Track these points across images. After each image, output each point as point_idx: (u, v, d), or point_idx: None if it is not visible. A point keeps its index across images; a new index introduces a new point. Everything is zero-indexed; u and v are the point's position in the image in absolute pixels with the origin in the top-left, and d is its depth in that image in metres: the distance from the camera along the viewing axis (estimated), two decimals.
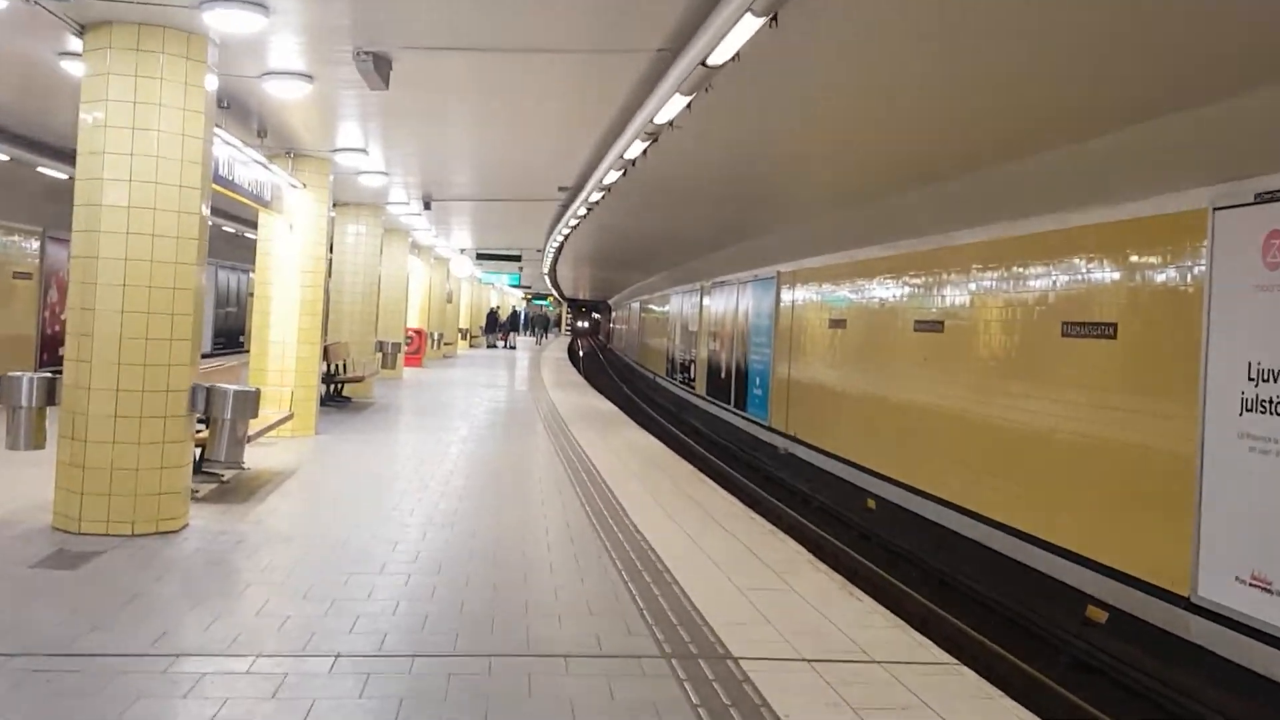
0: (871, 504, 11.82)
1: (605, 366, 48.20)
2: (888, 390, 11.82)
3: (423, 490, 8.23)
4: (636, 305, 42.29)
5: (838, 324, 13.73)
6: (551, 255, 23.85)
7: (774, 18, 5.08)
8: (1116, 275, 7.80)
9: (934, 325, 10.75)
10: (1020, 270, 9.15)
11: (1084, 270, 8.20)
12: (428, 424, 13.17)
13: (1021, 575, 8.58)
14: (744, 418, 18.24)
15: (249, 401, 6.70)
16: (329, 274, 14.39)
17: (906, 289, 11.58)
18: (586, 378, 27.36)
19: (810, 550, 6.96)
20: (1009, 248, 9.37)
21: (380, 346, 17.54)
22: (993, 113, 7.41)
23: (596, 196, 12.11)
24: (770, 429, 16.39)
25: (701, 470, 10.77)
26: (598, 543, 6.57)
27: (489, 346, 40.49)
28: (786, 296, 16.21)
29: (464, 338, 35.16)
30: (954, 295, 10.40)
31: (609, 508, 7.79)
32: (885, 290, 12.21)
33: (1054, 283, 8.61)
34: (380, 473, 9.13)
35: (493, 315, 41.12)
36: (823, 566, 6.26)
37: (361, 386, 15.37)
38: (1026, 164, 8.61)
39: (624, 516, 7.47)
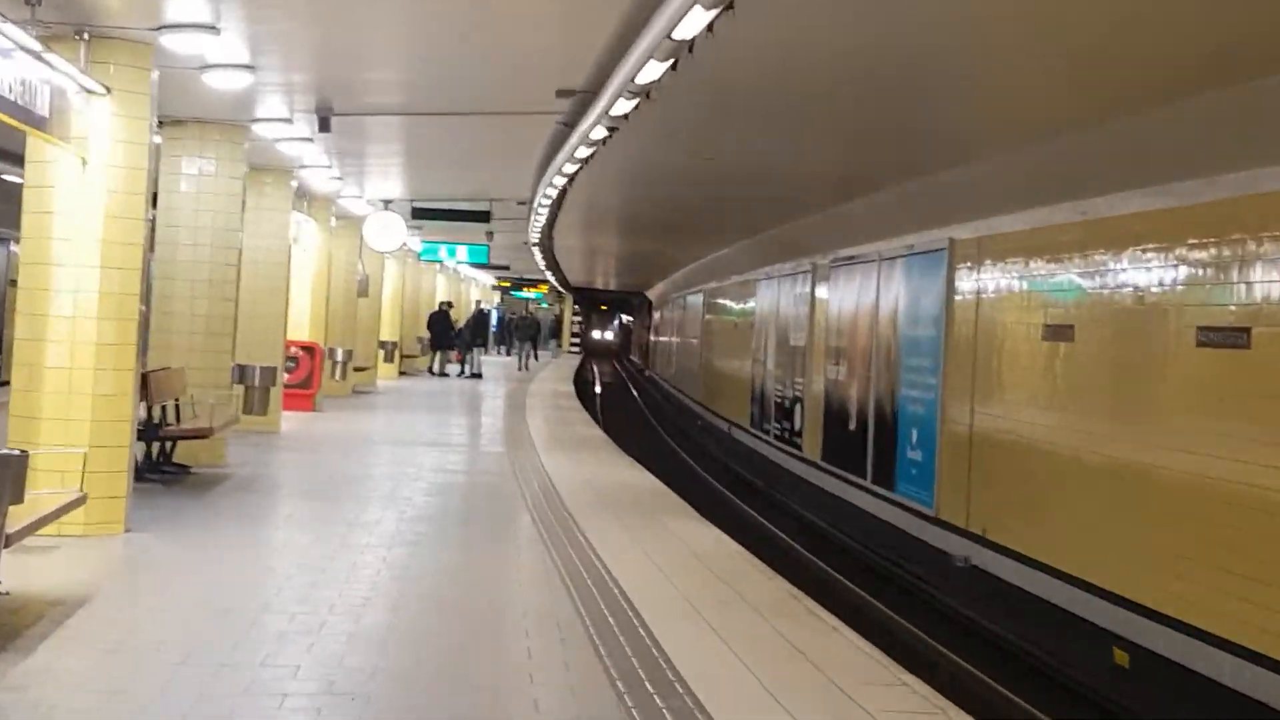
0: (1122, 657, 11.71)
1: (641, 407, 48.19)
2: (1149, 453, 11.71)
3: (316, 633, 8.24)
4: (697, 301, 42.33)
5: (1058, 333, 13.63)
6: (545, 213, 23.90)
7: None
8: None
9: (1232, 335, 10.65)
10: None
11: None
12: (325, 514, 13.18)
13: None
14: (890, 500, 18.13)
15: (7, 475, 6.72)
16: (152, 247, 14.51)
17: (1182, 271, 11.50)
18: (608, 429, 27.32)
19: None
20: None
21: (242, 375, 17.59)
22: None
23: (624, 108, 12.12)
24: (937, 520, 16.27)
25: (813, 596, 10.74)
26: None
27: (435, 373, 40.70)
28: (966, 284, 16.13)
29: (390, 357, 35.31)
30: (1271, 281, 10.30)
31: (648, 666, 7.77)
32: (1144, 273, 12.12)
33: None
34: (240, 600, 9.13)
35: (441, 318, 41.16)
36: None
37: (208, 446, 15.45)
38: None
39: (674, 683, 7.44)
